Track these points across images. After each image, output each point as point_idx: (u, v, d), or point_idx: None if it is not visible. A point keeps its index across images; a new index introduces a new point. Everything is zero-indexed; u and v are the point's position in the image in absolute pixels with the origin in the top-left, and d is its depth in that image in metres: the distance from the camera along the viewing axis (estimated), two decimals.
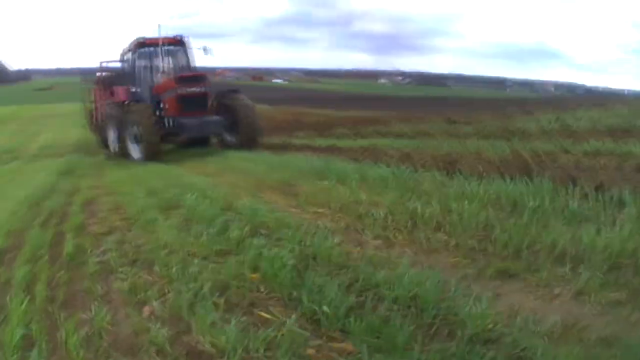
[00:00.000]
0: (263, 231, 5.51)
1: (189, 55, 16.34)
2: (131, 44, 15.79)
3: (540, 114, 20.92)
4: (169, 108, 15.05)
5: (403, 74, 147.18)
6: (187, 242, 5.36)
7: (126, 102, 15.49)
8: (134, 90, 15.62)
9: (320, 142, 16.01)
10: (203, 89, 15.23)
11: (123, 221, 7.08)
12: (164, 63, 15.87)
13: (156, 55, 15.76)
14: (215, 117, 15.16)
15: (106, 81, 18.43)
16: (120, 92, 15.99)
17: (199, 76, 15.31)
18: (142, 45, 15.68)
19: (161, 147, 14.73)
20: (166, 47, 15.74)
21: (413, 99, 58.76)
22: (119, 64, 17.49)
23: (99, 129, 19.50)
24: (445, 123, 20.28)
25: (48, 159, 19.42)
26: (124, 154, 15.24)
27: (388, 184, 7.55)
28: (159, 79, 15.89)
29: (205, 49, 16.08)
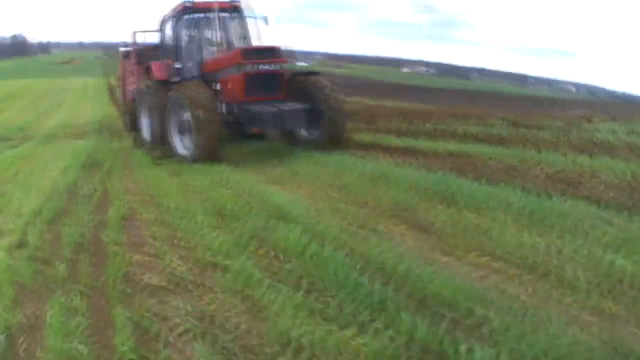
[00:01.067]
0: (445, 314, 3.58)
1: (246, 25, 12.28)
2: (174, 9, 12.14)
3: (597, 121, 17.77)
4: (231, 90, 10.67)
5: (427, 64, 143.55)
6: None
7: (169, 81, 12.14)
8: (177, 66, 11.93)
9: (390, 140, 12.52)
10: (278, 67, 10.83)
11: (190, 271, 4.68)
12: (218, 33, 11.93)
13: (207, 24, 12.16)
14: (296, 105, 10.57)
15: (139, 55, 15.19)
16: (158, 68, 12.40)
17: (272, 49, 10.89)
18: (189, 11, 11.96)
19: (219, 143, 10.31)
20: (220, 14, 11.83)
21: (446, 90, 55.00)
22: (156, 34, 14.59)
23: (128, 110, 16.60)
24: (508, 124, 16.55)
25: (65, 141, 16.60)
26: (164, 146, 11.72)
27: (537, 216, 5.69)
28: (211, 52, 12.08)
29: (266, 19, 12.08)
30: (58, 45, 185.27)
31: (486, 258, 4.75)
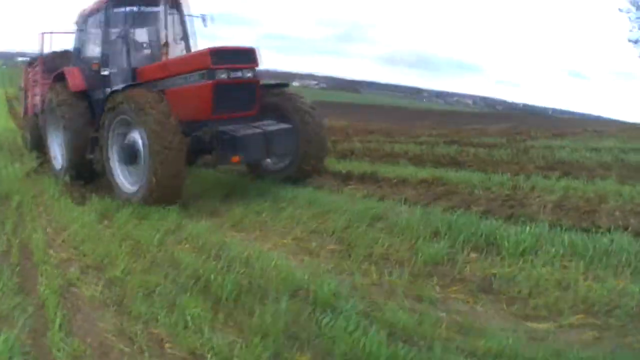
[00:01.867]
0: None
1: (186, 23, 9.72)
2: (100, 1, 9.35)
3: (538, 138, 17.77)
4: (190, 105, 7.86)
5: (316, 78, 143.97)
6: None
7: (90, 93, 9.50)
8: (103, 73, 9.02)
9: (399, 171, 10.13)
10: (253, 75, 8.31)
11: None
12: (163, 31, 9.28)
13: (143, 20, 9.61)
14: (281, 125, 8.29)
15: (46, 62, 12.68)
16: (74, 76, 9.57)
17: (248, 51, 8.34)
18: (120, 3, 9.18)
19: (183, 180, 7.61)
20: (155, 8, 9.41)
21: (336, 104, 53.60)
22: (68, 37, 11.97)
23: (29, 126, 14.02)
24: (445, 143, 15.66)
25: None
26: (92, 177, 9.19)
27: (598, 255, 5.00)
28: (148, 56, 9.50)
29: (204, 18, 9.71)
30: None
31: (580, 316, 4.05)
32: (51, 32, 12.95)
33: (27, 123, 14.81)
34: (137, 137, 7.59)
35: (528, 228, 5.62)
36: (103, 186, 8.79)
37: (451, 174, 9.54)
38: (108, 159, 8.11)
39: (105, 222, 7.02)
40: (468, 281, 4.76)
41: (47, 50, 12.98)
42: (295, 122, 8.38)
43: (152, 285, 4.67)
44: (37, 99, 13.08)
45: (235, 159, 7.74)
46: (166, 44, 9.23)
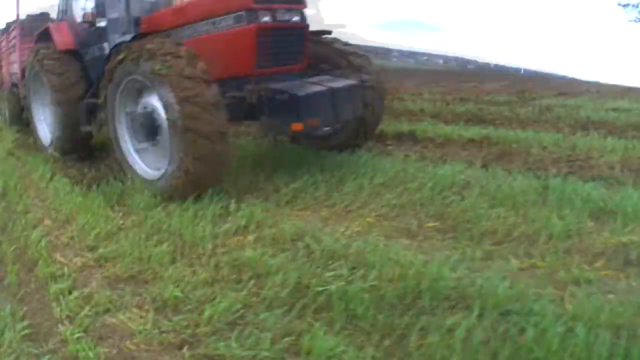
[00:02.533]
0: None
1: None
2: None
3: (545, 97, 16.24)
4: (229, 58, 5.81)
5: None
6: None
7: (82, 52, 7.49)
8: (100, 23, 6.99)
9: (437, 130, 9.02)
10: (301, 18, 6.31)
11: None
12: None
13: None
14: (348, 81, 6.32)
15: (23, 27, 10.80)
16: (61, 31, 7.71)
17: None
18: None
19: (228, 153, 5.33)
20: None
21: None
22: None
23: (9, 99, 12.03)
24: (460, 101, 14.29)
25: None
26: (88, 151, 7.55)
27: None
28: (158, 3, 7.28)
29: None
30: None
31: None
32: None
33: (4, 97, 12.92)
34: (154, 102, 5.44)
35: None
36: (103, 160, 7.10)
37: (496, 133, 8.62)
38: (115, 135, 6.01)
39: (120, 209, 5.29)
40: (605, 254, 3.84)
41: (23, 13, 11.43)
42: (350, 77, 6.51)
43: (235, 309, 3.15)
44: (15, 67, 11.23)
45: (298, 126, 5.50)
46: None
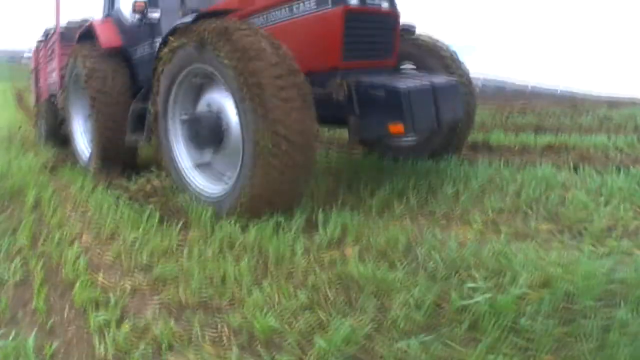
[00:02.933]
0: None
1: None
2: None
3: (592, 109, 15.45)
4: (311, 48, 4.66)
5: None
6: None
7: (128, 50, 6.51)
8: (153, 14, 5.89)
9: (509, 139, 8.56)
10: (391, 5, 5.14)
11: None
12: None
13: None
14: (450, 79, 5.31)
15: (63, 34, 9.72)
16: (106, 28, 6.78)
17: None
18: None
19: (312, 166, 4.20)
20: None
21: None
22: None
23: (44, 113, 11.05)
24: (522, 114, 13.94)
25: None
26: (133, 164, 6.38)
27: None
28: None
29: None
30: None
31: None
32: None
33: (41, 110, 11.95)
34: (222, 101, 4.44)
35: None
36: (153, 172, 5.82)
37: (570, 139, 8.24)
38: (168, 141, 4.94)
39: (178, 221, 4.26)
40: None
41: (64, 15, 10.77)
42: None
43: (357, 340, 2.39)
44: (54, 75, 10.16)
45: (397, 127, 4.39)
46: None
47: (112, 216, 4.54)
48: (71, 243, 4.02)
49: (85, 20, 9.90)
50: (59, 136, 9.39)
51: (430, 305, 2.65)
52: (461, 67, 5.95)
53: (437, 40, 6.09)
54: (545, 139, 8.28)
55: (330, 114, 4.62)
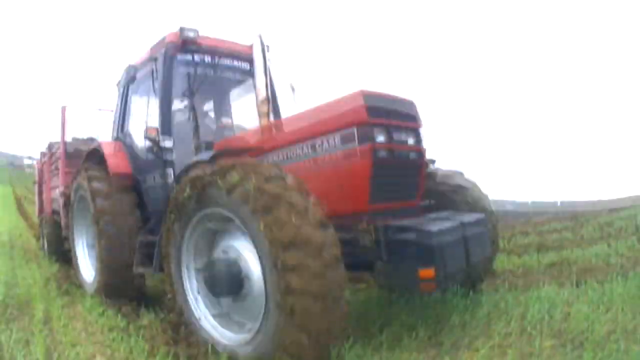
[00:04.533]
0: None
1: (273, 86, 6.68)
2: (160, 44, 6.26)
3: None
4: (337, 189, 4.45)
5: None
6: None
7: (149, 174, 6.33)
8: (165, 144, 5.81)
9: (521, 260, 8.59)
10: (417, 141, 4.93)
11: None
12: (263, 80, 5.72)
13: (222, 76, 6.52)
14: (477, 216, 4.95)
15: (71, 148, 10.14)
16: (116, 153, 6.60)
17: (406, 103, 4.93)
18: (188, 46, 6.14)
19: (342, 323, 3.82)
20: (237, 62, 6.53)
21: None
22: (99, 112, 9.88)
23: (47, 227, 11.24)
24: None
25: None
26: (140, 296, 6.22)
27: None
28: (232, 128, 6.55)
29: (292, 87, 6.27)
30: None
31: None
32: (76, 106, 10.75)
33: (43, 224, 12.01)
34: (239, 246, 4.22)
35: None
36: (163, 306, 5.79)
37: (571, 254, 8.62)
38: (183, 290, 4.62)
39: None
40: None
41: (69, 130, 10.65)
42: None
43: None
44: (57, 192, 10.28)
45: (428, 272, 4.03)
46: (267, 100, 5.70)
47: (125, 343, 4.65)
48: None
49: (91, 139, 10.23)
50: (61, 251, 9.59)
51: None
52: (488, 206, 5.77)
53: (457, 172, 6.00)
54: (548, 257, 8.44)
55: (356, 259, 4.30)
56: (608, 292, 5.24)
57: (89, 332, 5.16)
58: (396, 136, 4.60)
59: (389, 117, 4.58)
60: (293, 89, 6.27)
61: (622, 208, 17.29)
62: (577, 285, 5.96)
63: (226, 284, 4.17)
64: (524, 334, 4.42)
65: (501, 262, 8.53)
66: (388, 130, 4.52)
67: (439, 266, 4.03)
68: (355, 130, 4.38)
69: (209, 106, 7.25)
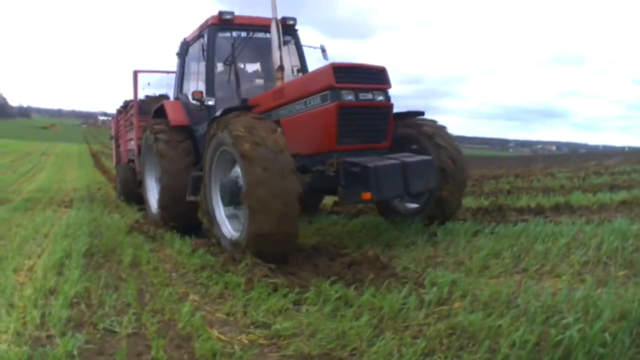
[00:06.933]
0: None
1: (302, 52, 8.38)
2: (203, 25, 8.00)
3: None
4: (310, 134, 6.41)
5: None
6: None
7: (192, 128, 8.22)
8: (208, 102, 7.52)
9: (588, 198, 8.85)
10: (385, 98, 6.55)
11: None
12: (270, 59, 7.64)
13: (255, 47, 8.07)
14: (421, 157, 6.50)
15: (142, 106, 11.57)
16: (175, 109, 8.39)
17: (378, 71, 6.55)
18: (226, 25, 7.77)
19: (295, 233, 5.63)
20: (265, 35, 7.86)
21: None
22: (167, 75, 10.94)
23: (123, 175, 12.73)
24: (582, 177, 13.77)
25: (50, 209, 11.66)
26: (191, 222, 7.18)
27: None
28: (267, 86, 7.75)
29: (323, 49, 8.33)
30: (38, 110, 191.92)
31: None
32: (147, 71, 12.32)
33: (120, 172, 13.62)
34: (239, 172, 5.87)
35: None
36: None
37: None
38: (210, 199, 6.39)
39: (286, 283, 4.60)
40: None
41: (141, 91, 12.15)
42: (436, 156, 6.76)
43: None
44: (132, 143, 11.90)
45: (366, 195, 5.79)
46: (281, 68, 7.38)
47: (215, 279, 4.93)
48: (180, 301, 4.31)
49: (161, 96, 11.70)
50: (135, 195, 10.84)
51: (533, 343, 2.96)
52: (454, 148, 6.98)
53: (442, 131, 7.11)
54: (619, 195, 8.74)
55: (327, 185, 6.19)
56: None
57: (180, 272, 5.41)
58: (362, 95, 6.21)
59: (356, 81, 6.17)
60: (323, 50, 8.34)
61: None
62: None
63: (230, 196, 6.00)
64: (600, 263, 4.69)
65: (577, 198, 8.84)
66: (355, 91, 6.14)
67: (374, 191, 5.73)
68: (328, 93, 6.07)
69: (256, 69, 8.94)
